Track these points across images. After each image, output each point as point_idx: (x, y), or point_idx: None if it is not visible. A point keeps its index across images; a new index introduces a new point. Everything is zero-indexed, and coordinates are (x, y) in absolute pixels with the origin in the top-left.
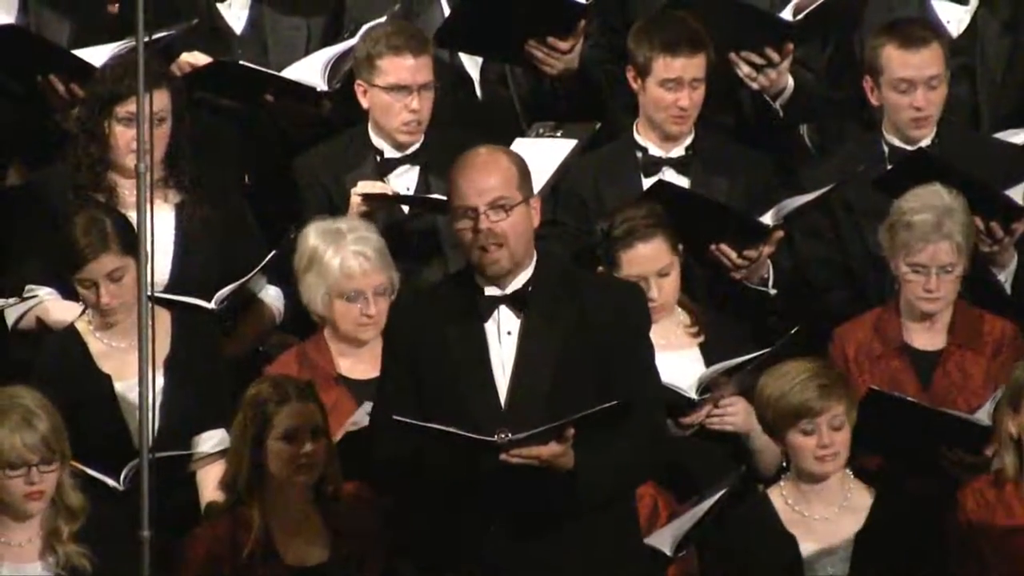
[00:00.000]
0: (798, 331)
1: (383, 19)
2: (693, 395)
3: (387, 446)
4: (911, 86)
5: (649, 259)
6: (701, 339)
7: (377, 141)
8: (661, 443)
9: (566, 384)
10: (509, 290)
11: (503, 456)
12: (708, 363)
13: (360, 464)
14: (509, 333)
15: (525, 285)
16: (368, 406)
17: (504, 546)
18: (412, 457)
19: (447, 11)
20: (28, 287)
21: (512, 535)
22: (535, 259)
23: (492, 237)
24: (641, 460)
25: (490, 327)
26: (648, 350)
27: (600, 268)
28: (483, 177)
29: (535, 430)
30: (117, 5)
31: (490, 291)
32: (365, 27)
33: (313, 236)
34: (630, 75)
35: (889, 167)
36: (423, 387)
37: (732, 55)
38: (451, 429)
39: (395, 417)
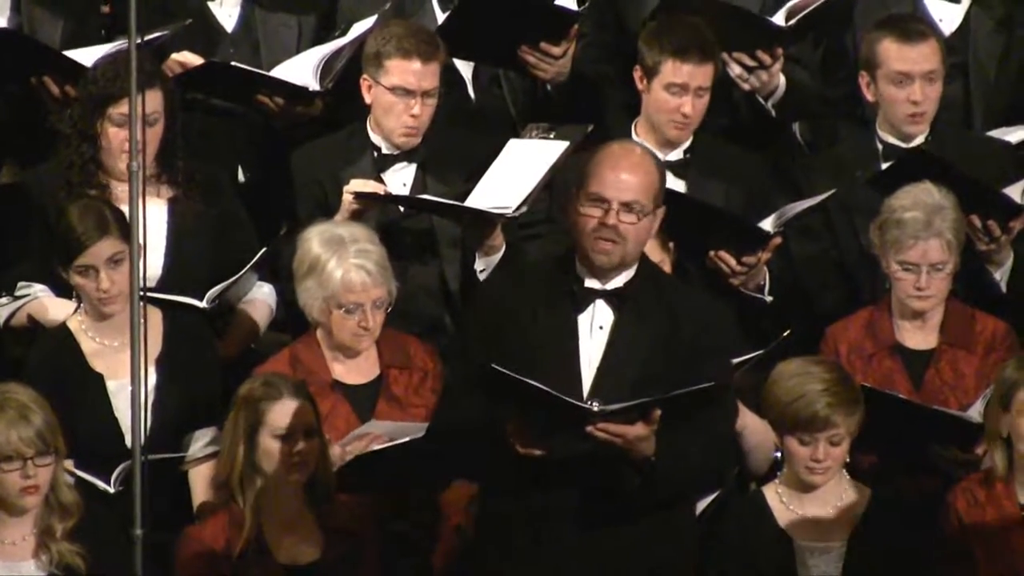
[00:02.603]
0: (790, 333)
1: (374, 18)
2: None
3: (458, 413)
4: (908, 79)
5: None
6: None
7: (375, 137)
8: (732, 455)
9: (649, 386)
10: (610, 286)
11: (589, 428)
12: None
13: (365, 485)
14: (601, 328)
15: (626, 284)
16: (372, 424)
17: (552, 537)
18: (481, 427)
19: (438, 12)
20: (20, 284)
21: (575, 527)
22: (639, 261)
23: (614, 234)
24: (713, 465)
25: (583, 319)
26: (730, 368)
27: None
28: (628, 175)
29: (628, 403)
30: (109, 6)
31: (590, 283)
32: (358, 25)
33: (316, 243)
34: (637, 75)
35: (884, 166)
36: (505, 366)
37: (724, 56)
38: (549, 389)
39: (493, 366)
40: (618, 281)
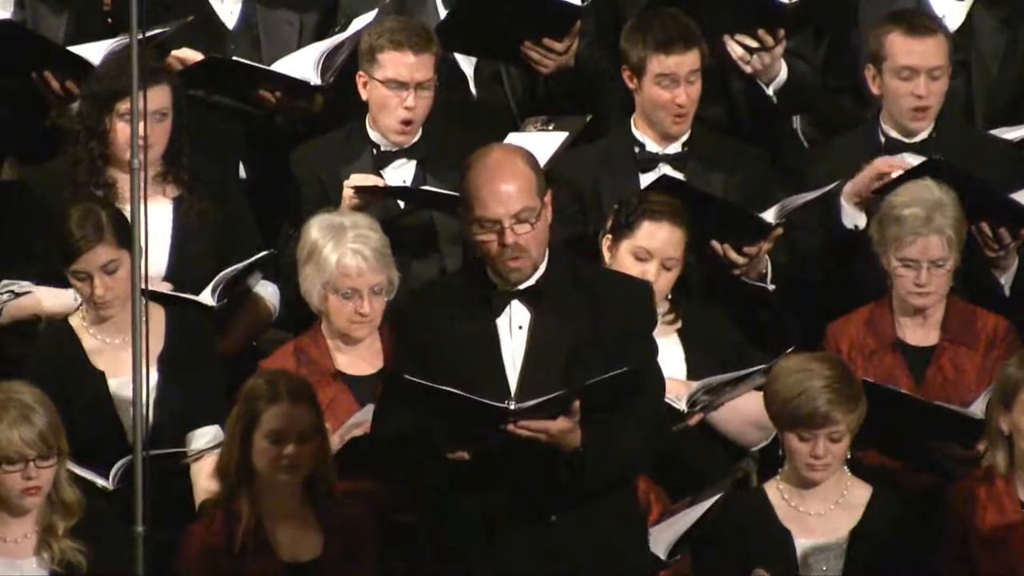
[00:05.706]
0: (794, 350)
1: (375, 13)
2: (683, 407)
3: (390, 425)
4: (914, 74)
5: (666, 241)
6: (678, 325)
7: (374, 134)
8: (662, 434)
9: (576, 378)
10: (523, 285)
11: (510, 427)
12: (687, 348)
13: (361, 466)
14: (520, 327)
15: (538, 280)
16: (367, 410)
17: (505, 534)
18: (414, 436)
19: (440, 7)
20: (3, 282)
21: (514, 520)
22: (547, 254)
23: (517, 250)
24: (646, 448)
25: (501, 322)
26: (653, 345)
27: (606, 243)
28: (506, 188)
29: (543, 398)
30: (111, 2)
31: (503, 286)
32: (358, 20)
33: (315, 229)
34: (626, 75)
35: (895, 175)
36: (434, 379)
37: (726, 37)
38: (461, 392)
39: (406, 376)
40: (531, 279)
